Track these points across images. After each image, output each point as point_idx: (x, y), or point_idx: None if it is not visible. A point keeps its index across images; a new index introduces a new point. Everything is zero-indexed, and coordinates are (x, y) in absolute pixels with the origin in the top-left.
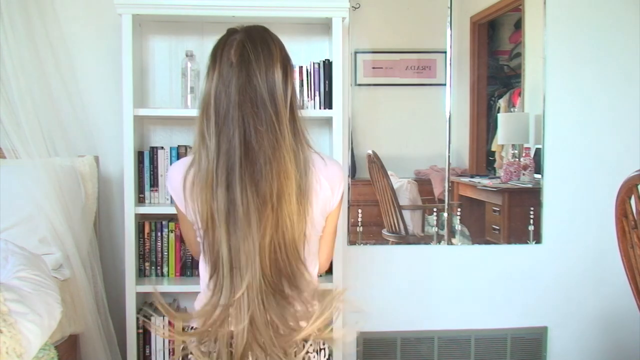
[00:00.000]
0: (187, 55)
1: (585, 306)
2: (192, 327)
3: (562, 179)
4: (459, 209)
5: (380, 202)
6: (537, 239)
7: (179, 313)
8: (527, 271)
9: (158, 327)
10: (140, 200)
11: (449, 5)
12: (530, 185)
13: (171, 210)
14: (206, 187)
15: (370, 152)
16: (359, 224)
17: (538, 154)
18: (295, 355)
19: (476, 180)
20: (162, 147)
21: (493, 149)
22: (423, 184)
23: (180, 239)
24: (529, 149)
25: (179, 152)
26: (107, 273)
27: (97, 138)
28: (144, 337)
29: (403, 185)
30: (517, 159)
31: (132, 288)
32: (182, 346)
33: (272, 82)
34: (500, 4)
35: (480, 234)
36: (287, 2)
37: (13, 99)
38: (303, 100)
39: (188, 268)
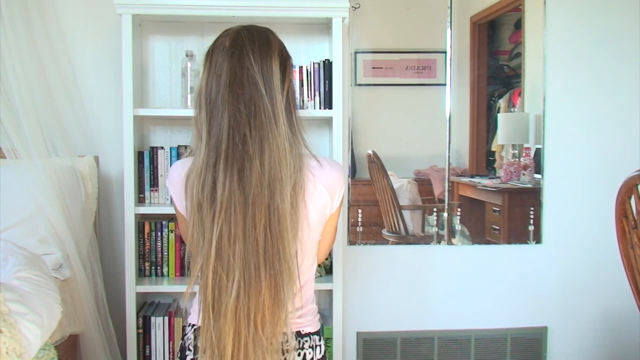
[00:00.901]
0: (187, 55)
1: (585, 306)
2: (191, 325)
3: (562, 179)
4: (459, 209)
5: (380, 202)
6: (537, 239)
7: None
8: (527, 271)
9: None
10: (140, 200)
11: (449, 5)
12: (530, 185)
13: (171, 210)
14: (198, 175)
15: (370, 152)
16: (359, 224)
17: (538, 154)
18: (287, 352)
19: (476, 180)
20: (162, 147)
21: (493, 149)
22: (423, 184)
23: (180, 239)
24: (529, 149)
25: (179, 152)
26: (107, 273)
27: (97, 138)
28: (144, 337)
29: (403, 185)
30: (517, 159)
31: (132, 288)
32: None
33: (268, 69)
34: (500, 4)
35: (480, 234)
36: (287, 2)
37: (13, 99)
38: (303, 100)
39: (188, 268)
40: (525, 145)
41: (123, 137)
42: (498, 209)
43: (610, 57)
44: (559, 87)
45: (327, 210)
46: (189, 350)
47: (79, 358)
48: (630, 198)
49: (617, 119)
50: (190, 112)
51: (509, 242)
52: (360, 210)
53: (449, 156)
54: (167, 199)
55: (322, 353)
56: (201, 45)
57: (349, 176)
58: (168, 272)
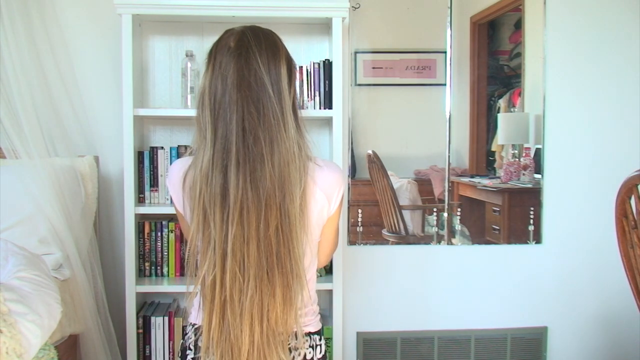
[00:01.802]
0: (187, 55)
1: (585, 306)
2: (192, 324)
3: (562, 179)
4: (459, 209)
5: (380, 202)
6: (537, 239)
7: None
8: (527, 271)
9: None
10: (140, 200)
11: (449, 5)
12: (530, 185)
13: (171, 210)
14: (204, 176)
15: (370, 152)
16: (359, 224)
17: (538, 154)
18: (296, 349)
19: (476, 180)
20: (162, 147)
21: (493, 149)
22: (423, 184)
23: (181, 239)
24: (529, 149)
25: (179, 152)
26: (107, 273)
27: (97, 138)
28: (144, 337)
29: (403, 185)
30: (517, 159)
31: (132, 288)
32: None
33: (276, 72)
34: (500, 4)
35: (480, 234)
36: (287, 2)
37: (13, 99)
38: (303, 100)
39: (193, 268)
40: (525, 145)
41: (123, 137)
42: (498, 209)
43: (610, 57)
44: (559, 87)
45: (325, 213)
46: (190, 349)
47: (79, 358)
48: (630, 198)
49: (617, 119)
50: (190, 112)
51: (509, 242)
52: (360, 210)
53: (449, 156)
54: (167, 199)
55: (323, 352)
56: (201, 45)
57: (349, 176)
58: (168, 272)
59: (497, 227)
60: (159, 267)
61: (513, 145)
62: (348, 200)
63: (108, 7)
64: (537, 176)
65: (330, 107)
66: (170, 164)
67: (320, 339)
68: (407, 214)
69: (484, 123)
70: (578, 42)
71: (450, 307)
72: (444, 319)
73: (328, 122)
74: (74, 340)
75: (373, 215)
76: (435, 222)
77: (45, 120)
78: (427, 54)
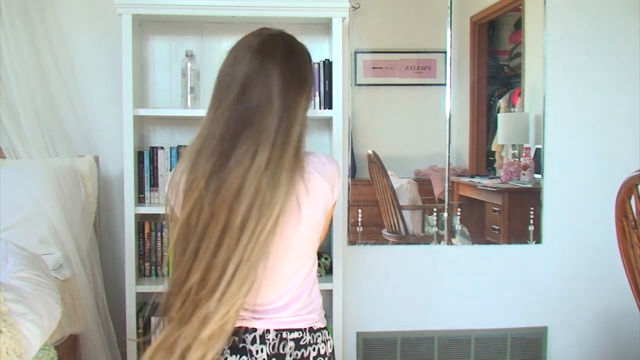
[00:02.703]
0: (187, 55)
1: (585, 306)
2: None
3: (562, 179)
4: (459, 209)
5: (380, 202)
6: (537, 239)
7: None
8: (527, 271)
9: None
10: (140, 200)
11: (449, 5)
12: (530, 185)
13: None
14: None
15: (370, 152)
16: (359, 224)
17: (538, 154)
18: (304, 348)
19: (476, 180)
20: (162, 147)
21: (493, 149)
22: (423, 184)
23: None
24: (529, 149)
25: (179, 152)
26: (107, 273)
27: (97, 138)
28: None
29: (403, 185)
30: (517, 159)
31: (132, 288)
32: None
33: (294, 100)
34: (500, 4)
35: (480, 234)
36: (287, 2)
37: (13, 99)
38: None
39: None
40: (525, 145)
41: (123, 137)
42: (498, 209)
43: (610, 57)
44: (559, 87)
45: (329, 202)
46: None
47: (79, 358)
48: (630, 198)
49: (617, 119)
50: (190, 112)
51: (509, 242)
52: (360, 210)
53: (449, 156)
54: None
55: (332, 347)
56: (201, 45)
57: (349, 176)
58: (168, 272)
59: (497, 227)
60: (159, 267)
61: (513, 145)
62: (348, 200)
63: (108, 7)
64: (537, 176)
65: (330, 107)
66: (171, 164)
67: (328, 334)
68: (407, 214)
69: (484, 123)
70: (578, 42)
71: (450, 307)
72: (444, 319)
73: (328, 122)
74: (74, 340)
75: (373, 215)
76: (435, 222)
77: (45, 120)
78: (427, 54)
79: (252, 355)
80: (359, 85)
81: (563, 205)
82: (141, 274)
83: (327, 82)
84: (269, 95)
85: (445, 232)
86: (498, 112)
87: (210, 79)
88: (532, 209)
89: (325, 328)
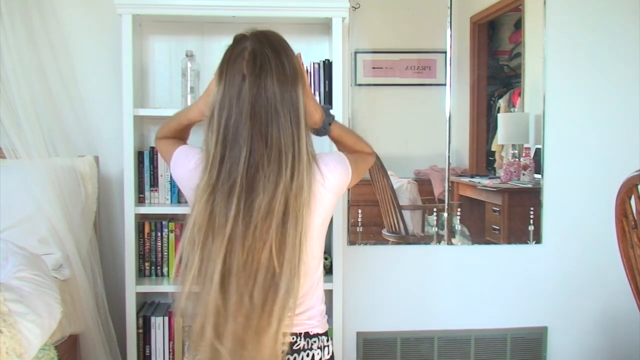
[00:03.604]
0: (187, 55)
1: (585, 306)
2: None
3: (562, 179)
4: (459, 209)
5: (380, 202)
6: (537, 239)
7: None
8: (527, 271)
9: None
10: (140, 200)
11: (449, 5)
12: (530, 185)
13: (171, 210)
14: (199, 196)
15: None
16: (359, 224)
17: (538, 154)
18: (297, 353)
19: (476, 180)
20: None
21: (493, 149)
22: (423, 184)
23: (181, 239)
24: (529, 149)
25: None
26: (107, 273)
27: (97, 138)
28: (144, 337)
29: (403, 185)
30: (517, 159)
31: (132, 288)
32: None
33: (295, 100)
34: (500, 4)
35: (480, 234)
36: (287, 2)
37: (13, 99)
38: None
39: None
40: (525, 145)
41: (123, 137)
42: (498, 209)
43: (610, 57)
44: (559, 87)
45: (333, 207)
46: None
47: (79, 358)
48: (630, 198)
49: (617, 119)
50: None
51: (509, 242)
52: (360, 210)
53: (449, 156)
54: (167, 199)
55: (330, 354)
56: (201, 45)
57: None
58: (168, 272)
59: (497, 227)
60: (159, 267)
61: (513, 145)
62: (348, 201)
63: (108, 7)
64: (537, 176)
65: (330, 107)
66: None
67: (327, 340)
68: (407, 214)
69: (484, 123)
70: (578, 42)
71: (450, 307)
72: (444, 319)
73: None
74: (74, 340)
75: (373, 215)
76: (435, 222)
77: (45, 120)
78: (427, 54)
79: None
80: (359, 85)
81: (563, 205)
82: (141, 274)
83: (327, 82)
84: (274, 107)
85: (445, 232)
86: (498, 112)
87: (210, 79)
88: (532, 209)
89: (324, 334)
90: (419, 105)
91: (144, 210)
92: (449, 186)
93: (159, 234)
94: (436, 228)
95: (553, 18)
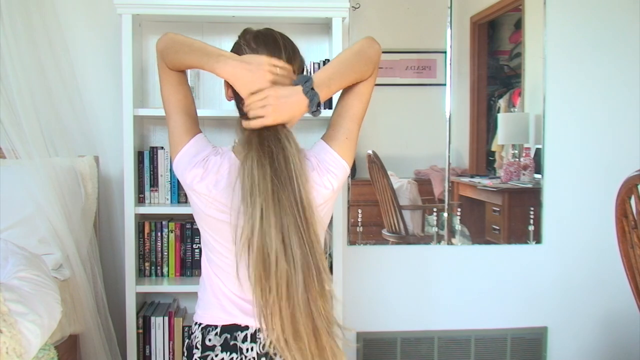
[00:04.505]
0: None
1: (585, 306)
2: (198, 324)
3: (562, 179)
4: (459, 209)
5: (380, 202)
6: (537, 239)
7: None
8: (527, 271)
9: None
10: (140, 200)
11: (449, 5)
12: (530, 185)
13: (171, 210)
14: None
15: (370, 152)
16: (359, 224)
17: (538, 154)
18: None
19: (476, 180)
20: (162, 147)
21: (493, 149)
22: (423, 184)
23: (181, 239)
24: (529, 149)
25: None
26: (107, 273)
27: (97, 138)
28: (144, 337)
29: (403, 185)
30: (517, 159)
31: (132, 288)
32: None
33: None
34: (500, 4)
35: (480, 234)
36: (287, 2)
37: (13, 99)
38: None
39: (188, 268)
40: (525, 145)
41: (123, 137)
42: (498, 209)
43: (610, 57)
44: (559, 87)
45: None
46: (197, 348)
47: (79, 358)
48: (630, 198)
49: (617, 119)
50: None
51: (509, 242)
52: (360, 210)
53: (449, 156)
54: (167, 199)
55: None
56: None
57: (349, 176)
58: (168, 272)
59: (497, 227)
60: (159, 267)
61: (513, 145)
62: (348, 200)
63: (108, 7)
64: (537, 176)
65: (330, 107)
66: (171, 164)
67: None
68: (407, 214)
69: (484, 123)
70: (578, 42)
71: (450, 307)
72: (444, 319)
73: (328, 121)
74: (74, 340)
75: (373, 215)
76: (435, 222)
77: (45, 120)
78: (427, 54)
79: (242, 353)
80: None
81: (563, 205)
82: (141, 274)
83: None
84: None
85: (445, 232)
86: (498, 112)
87: (210, 79)
88: (532, 209)
89: None
90: (419, 105)
91: (144, 210)
92: (449, 186)
93: (159, 234)
94: (436, 228)
95: (553, 18)
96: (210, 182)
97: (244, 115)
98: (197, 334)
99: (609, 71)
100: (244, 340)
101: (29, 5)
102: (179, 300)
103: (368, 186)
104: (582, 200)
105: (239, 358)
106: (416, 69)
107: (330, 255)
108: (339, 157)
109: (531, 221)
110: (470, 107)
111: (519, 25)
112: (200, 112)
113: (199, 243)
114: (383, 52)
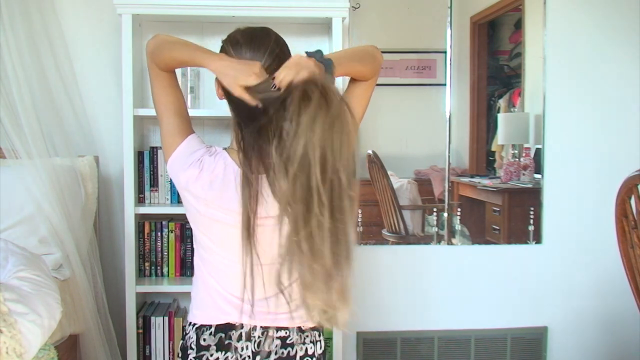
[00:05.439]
0: None
1: (585, 306)
2: (192, 324)
3: (562, 179)
4: (459, 209)
5: (380, 202)
6: (537, 239)
7: None
8: (527, 271)
9: None
10: (140, 200)
11: (449, 5)
12: (530, 185)
13: (171, 210)
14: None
15: (370, 152)
16: (359, 224)
17: (538, 154)
18: (291, 347)
19: (476, 180)
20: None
21: (493, 149)
22: (423, 184)
23: (181, 239)
24: (529, 149)
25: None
26: (107, 273)
27: (97, 138)
28: (144, 337)
29: (403, 185)
30: (517, 159)
31: (132, 288)
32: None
33: None
34: (500, 4)
35: (480, 234)
36: (287, 2)
37: (13, 99)
38: None
39: (188, 268)
40: (525, 145)
41: (123, 137)
42: (498, 209)
43: (610, 57)
44: (559, 87)
45: None
46: (191, 349)
47: (79, 358)
48: (630, 198)
49: (617, 119)
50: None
51: (509, 242)
52: (360, 210)
53: (449, 156)
54: (167, 199)
55: (323, 348)
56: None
57: None
58: (168, 272)
59: (497, 227)
60: (159, 267)
61: (513, 145)
62: None
63: (108, 7)
64: (537, 176)
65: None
66: None
67: (319, 335)
68: (407, 214)
69: (484, 123)
70: (578, 42)
71: (450, 307)
72: (444, 319)
73: None
74: (74, 340)
75: (373, 215)
76: (435, 222)
77: (45, 120)
78: (427, 54)
79: (237, 352)
80: None
81: (563, 205)
82: (141, 274)
83: None
84: None
85: (445, 232)
86: (498, 112)
87: (210, 79)
88: (532, 209)
89: (316, 329)
90: (419, 105)
91: (144, 210)
92: (449, 186)
93: (159, 234)
94: (436, 228)
95: (553, 18)
96: (205, 183)
97: (236, 115)
98: (192, 334)
99: (609, 71)
100: (239, 339)
101: (29, 6)
102: (179, 300)
103: (368, 186)
104: (582, 200)
105: (234, 357)
106: (416, 69)
107: None
108: None
109: (531, 221)
110: (470, 107)
111: (519, 25)
112: (200, 112)
113: None
114: (383, 52)
